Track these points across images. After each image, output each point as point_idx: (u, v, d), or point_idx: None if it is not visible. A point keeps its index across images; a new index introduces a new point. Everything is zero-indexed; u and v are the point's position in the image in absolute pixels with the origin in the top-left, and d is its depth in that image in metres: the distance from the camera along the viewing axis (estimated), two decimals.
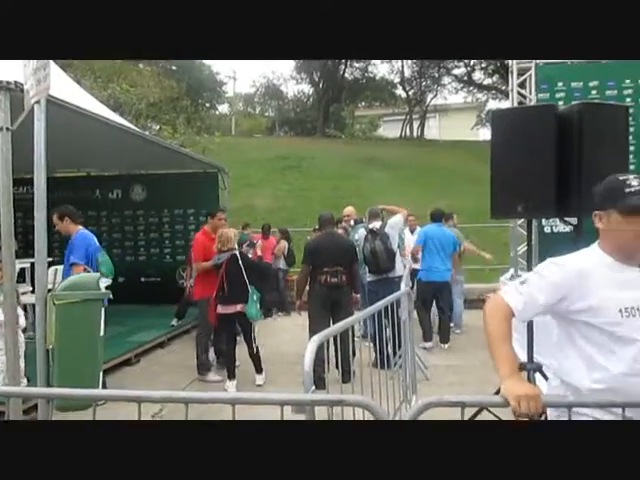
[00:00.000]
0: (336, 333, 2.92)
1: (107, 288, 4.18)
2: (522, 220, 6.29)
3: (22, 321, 4.43)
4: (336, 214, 6.37)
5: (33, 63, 3.53)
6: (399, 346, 4.51)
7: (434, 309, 7.11)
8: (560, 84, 6.70)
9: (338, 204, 10.47)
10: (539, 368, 3.14)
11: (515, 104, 7.03)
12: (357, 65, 29.78)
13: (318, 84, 30.38)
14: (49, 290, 4.00)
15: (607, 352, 1.73)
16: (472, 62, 27.29)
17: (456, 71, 28.79)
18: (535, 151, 3.05)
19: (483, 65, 27.48)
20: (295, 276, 7.63)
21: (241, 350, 5.45)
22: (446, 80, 29.57)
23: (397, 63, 28.97)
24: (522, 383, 1.65)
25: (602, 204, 1.75)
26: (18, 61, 3.68)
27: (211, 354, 5.94)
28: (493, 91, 28.50)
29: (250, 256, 5.53)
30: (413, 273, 6.90)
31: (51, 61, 3.86)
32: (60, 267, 5.24)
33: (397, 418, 3.60)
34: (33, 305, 4.73)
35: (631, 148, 4.69)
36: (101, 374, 3.83)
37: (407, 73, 29.37)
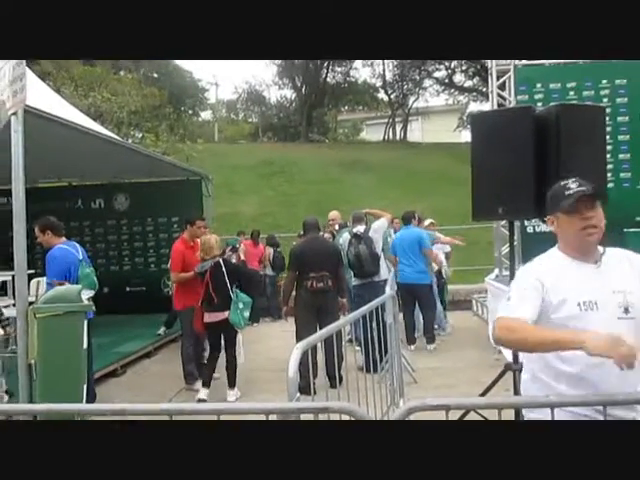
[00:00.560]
0: (322, 339, 2.91)
1: (91, 299, 4.13)
2: (505, 221, 6.36)
3: None
4: (321, 219, 6.38)
5: (9, 75, 3.49)
6: (386, 350, 4.52)
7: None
8: (539, 85, 6.80)
9: (323, 209, 10.48)
10: (522, 369, 3.16)
11: (495, 106, 7.12)
12: (339, 69, 29.91)
13: (300, 89, 30.43)
14: (31, 303, 3.95)
15: None
16: (452, 65, 27.56)
17: (437, 74, 29.05)
18: (514, 153, 3.08)
19: (463, 68, 27.76)
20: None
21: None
22: (427, 83, 29.81)
23: (379, 67, 29.18)
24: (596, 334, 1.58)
25: (551, 209, 1.91)
26: None
27: None
28: (474, 93, 28.78)
29: (234, 260, 5.48)
30: None
31: (28, 72, 3.83)
32: (43, 279, 5.17)
33: None
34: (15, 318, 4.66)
35: (608, 147, 4.76)
36: (85, 387, 3.77)
37: (388, 76, 29.54)
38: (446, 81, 29.21)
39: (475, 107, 28.14)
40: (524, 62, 6.92)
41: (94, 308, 4.03)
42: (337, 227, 7.13)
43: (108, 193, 9.85)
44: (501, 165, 3.11)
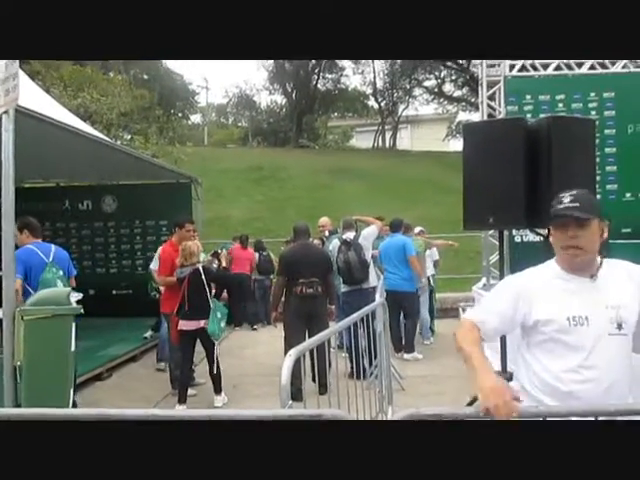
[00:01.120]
0: (313, 346, 2.91)
1: (78, 302, 4.07)
2: (493, 230, 6.41)
3: None
4: (310, 224, 6.37)
5: (1, 73, 3.46)
6: (375, 357, 4.52)
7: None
8: (528, 97, 6.88)
9: (312, 214, 10.50)
10: (511, 378, 3.18)
11: (485, 116, 7.18)
12: (329, 76, 30.04)
13: (291, 95, 30.48)
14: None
15: (557, 358, 1.81)
16: (442, 74, 27.82)
17: (427, 83, 29.33)
18: (505, 164, 3.12)
19: (453, 77, 28.04)
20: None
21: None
22: (417, 92, 30.08)
23: (369, 75, 29.36)
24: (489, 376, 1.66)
25: (550, 221, 1.90)
26: None
27: None
28: (463, 103, 29.05)
29: (215, 266, 5.38)
30: None
31: (20, 71, 3.80)
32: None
33: None
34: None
35: (596, 160, 4.82)
36: (72, 391, 3.72)
37: (379, 84, 29.75)
38: (436, 90, 29.47)
39: (464, 117, 28.41)
40: (514, 73, 7.00)
41: (82, 311, 3.98)
42: (327, 233, 7.14)
43: (96, 195, 9.76)
44: (492, 175, 3.14)
